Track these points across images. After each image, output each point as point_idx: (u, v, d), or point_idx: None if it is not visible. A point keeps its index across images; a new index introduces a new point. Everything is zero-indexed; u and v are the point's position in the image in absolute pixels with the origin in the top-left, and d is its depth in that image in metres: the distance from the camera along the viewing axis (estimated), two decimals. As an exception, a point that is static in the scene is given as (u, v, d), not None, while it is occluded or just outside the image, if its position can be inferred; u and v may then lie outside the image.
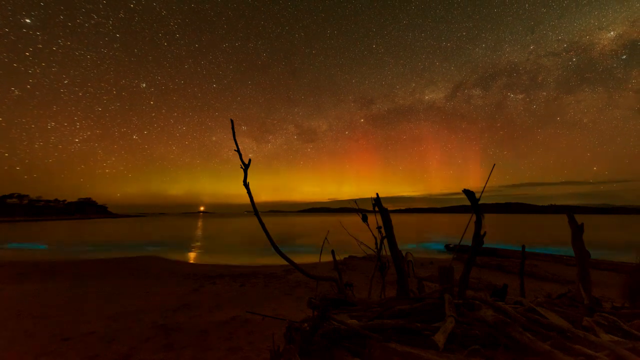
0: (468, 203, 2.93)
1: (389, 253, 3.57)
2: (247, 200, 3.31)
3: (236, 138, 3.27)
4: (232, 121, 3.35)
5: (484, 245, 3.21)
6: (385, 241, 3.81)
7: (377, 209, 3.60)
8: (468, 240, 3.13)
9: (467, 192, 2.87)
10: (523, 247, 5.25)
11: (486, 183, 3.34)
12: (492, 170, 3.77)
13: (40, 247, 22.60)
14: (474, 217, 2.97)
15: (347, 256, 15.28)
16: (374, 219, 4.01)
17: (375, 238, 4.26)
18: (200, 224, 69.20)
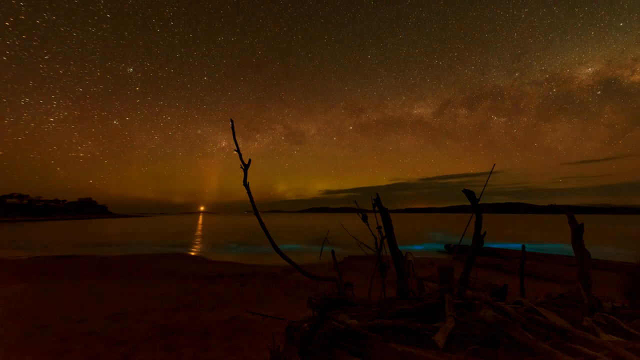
0: (468, 203, 2.93)
1: (389, 253, 3.56)
2: (247, 199, 3.32)
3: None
4: (232, 121, 3.35)
5: (484, 245, 3.21)
6: (385, 241, 3.81)
7: (377, 208, 3.60)
8: (468, 240, 3.13)
9: (467, 192, 2.87)
10: (523, 247, 5.24)
11: (486, 183, 3.34)
12: (492, 170, 3.77)
13: (39, 247, 22.59)
14: (474, 217, 2.97)
15: (347, 256, 15.28)
16: (374, 219, 4.01)
17: (375, 238, 4.26)
18: (200, 223, 69.20)
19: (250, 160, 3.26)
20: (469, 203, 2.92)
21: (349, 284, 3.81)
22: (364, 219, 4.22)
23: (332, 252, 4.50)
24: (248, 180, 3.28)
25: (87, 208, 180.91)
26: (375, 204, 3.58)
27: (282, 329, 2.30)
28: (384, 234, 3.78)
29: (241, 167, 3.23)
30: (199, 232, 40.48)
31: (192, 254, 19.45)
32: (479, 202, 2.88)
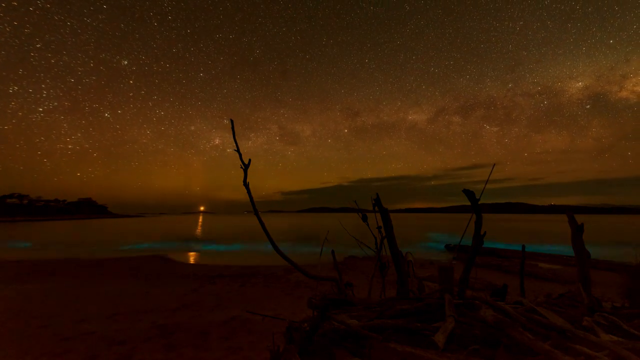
0: (468, 203, 2.93)
1: (389, 253, 3.56)
2: (247, 199, 3.31)
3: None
4: (232, 121, 3.35)
5: (484, 245, 3.21)
6: (385, 241, 3.81)
7: (377, 208, 3.60)
8: (468, 240, 3.13)
9: (467, 192, 2.87)
10: (523, 247, 5.23)
11: (486, 183, 3.34)
12: (492, 170, 3.77)
13: (40, 247, 22.58)
14: (474, 217, 2.97)
15: (347, 256, 15.28)
16: (374, 219, 4.01)
17: (375, 238, 4.26)
18: (200, 223, 69.16)
19: (250, 160, 3.26)
20: (469, 203, 2.92)
21: (349, 284, 3.81)
22: (364, 219, 4.22)
23: (332, 252, 4.50)
24: (248, 180, 3.28)
25: (87, 208, 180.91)
26: (375, 204, 3.58)
27: (282, 329, 2.30)
28: (383, 234, 3.78)
29: (241, 167, 3.23)
30: (198, 232, 40.47)
31: (192, 253, 19.44)
32: (479, 202, 2.88)
